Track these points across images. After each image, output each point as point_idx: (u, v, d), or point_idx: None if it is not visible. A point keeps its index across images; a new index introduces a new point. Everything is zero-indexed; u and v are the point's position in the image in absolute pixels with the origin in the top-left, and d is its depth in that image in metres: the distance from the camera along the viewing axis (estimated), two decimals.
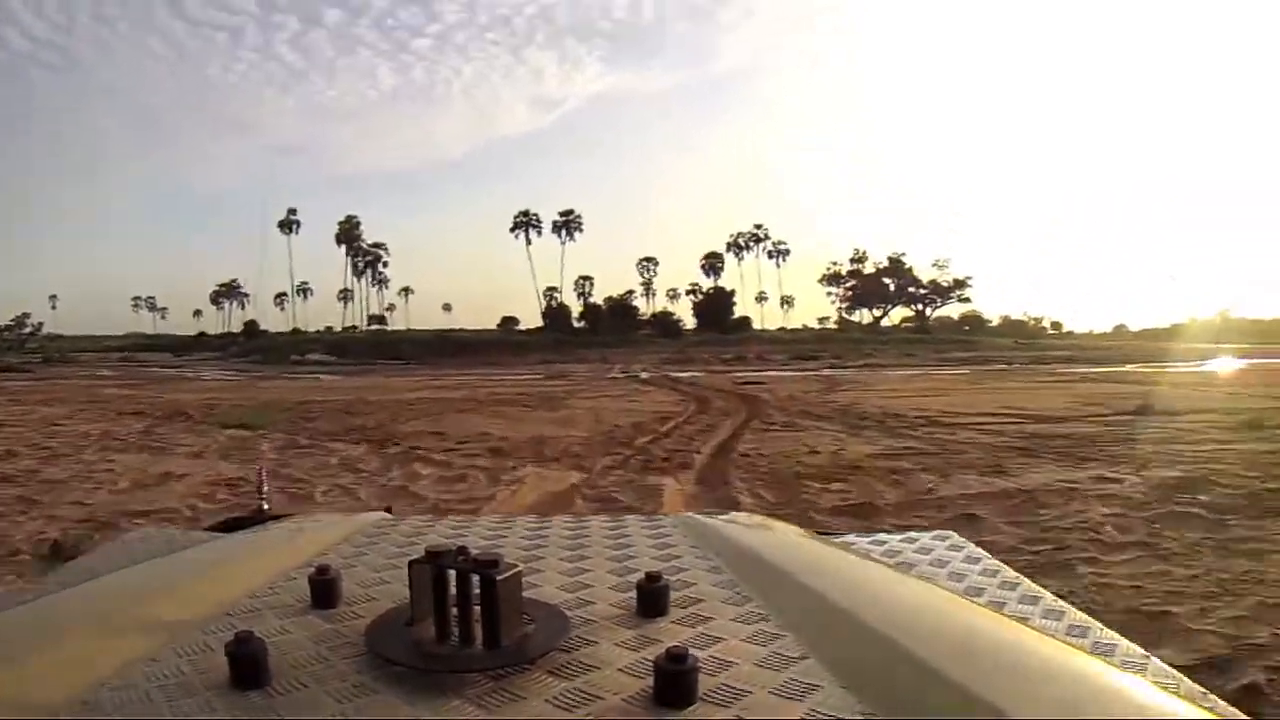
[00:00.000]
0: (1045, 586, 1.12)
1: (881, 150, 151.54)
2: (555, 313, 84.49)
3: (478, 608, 0.66)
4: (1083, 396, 18.43)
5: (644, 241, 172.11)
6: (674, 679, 0.59)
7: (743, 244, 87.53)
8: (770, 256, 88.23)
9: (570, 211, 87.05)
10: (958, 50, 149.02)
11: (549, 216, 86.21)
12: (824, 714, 0.57)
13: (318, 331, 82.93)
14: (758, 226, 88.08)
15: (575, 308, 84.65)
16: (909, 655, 0.66)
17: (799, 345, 58.07)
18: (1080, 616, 0.98)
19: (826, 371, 32.29)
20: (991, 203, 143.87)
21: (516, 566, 0.67)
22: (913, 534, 1.37)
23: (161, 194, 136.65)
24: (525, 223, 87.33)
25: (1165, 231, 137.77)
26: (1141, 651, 0.87)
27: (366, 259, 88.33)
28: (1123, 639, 0.91)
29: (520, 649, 0.66)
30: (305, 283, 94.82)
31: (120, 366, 45.71)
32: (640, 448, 10.52)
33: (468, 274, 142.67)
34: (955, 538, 1.35)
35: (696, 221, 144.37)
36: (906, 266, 78.46)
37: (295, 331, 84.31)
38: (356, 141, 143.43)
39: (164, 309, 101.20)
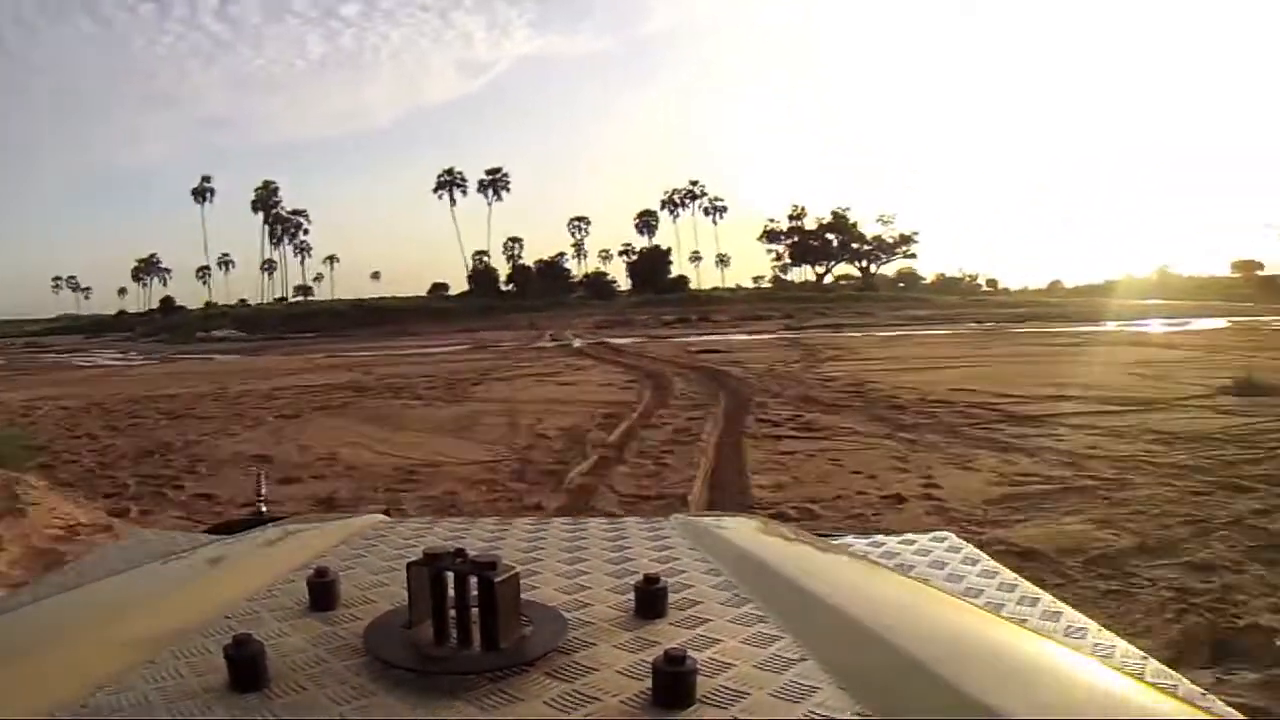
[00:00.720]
0: None
1: (817, 108, 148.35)
2: (481, 276, 79.94)
3: (476, 610, 0.65)
4: (1123, 366, 14.86)
5: (576, 204, 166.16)
6: (672, 681, 0.58)
7: (678, 201, 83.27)
8: (706, 214, 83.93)
9: (497, 170, 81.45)
10: (895, 4, 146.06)
11: (480, 179, 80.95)
12: (822, 715, 0.57)
13: (229, 306, 78.30)
14: (693, 183, 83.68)
15: (505, 271, 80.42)
16: (907, 657, 0.65)
17: (744, 305, 54.47)
18: (1078, 618, 0.95)
19: (788, 334, 28.39)
20: (926, 162, 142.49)
21: (514, 568, 0.66)
22: (910, 535, 1.32)
23: (90, 173, 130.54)
24: (449, 182, 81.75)
25: (1093, 188, 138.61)
26: (1140, 653, 0.85)
27: (285, 226, 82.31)
28: (1121, 640, 0.88)
29: (518, 651, 0.65)
30: (227, 255, 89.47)
31: (18, 353, 39.74)
32: (578, 490, 6.21)
33: (398, 242, 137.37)
34: (953, 539, 1.30)
35: (630, 183, 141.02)
36: (850, 222, 75.12)
37: (208, 306, 79.44)
38: (285, 112, 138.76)
39: (88, 289, 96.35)
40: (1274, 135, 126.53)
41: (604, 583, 0.85)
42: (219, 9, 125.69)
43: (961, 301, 57.57)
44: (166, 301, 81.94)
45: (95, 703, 0.59)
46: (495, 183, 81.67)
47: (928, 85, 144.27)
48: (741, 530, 1.15)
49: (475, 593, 0.65)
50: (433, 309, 62.55)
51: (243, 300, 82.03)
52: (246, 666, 0.60)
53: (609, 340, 28.06)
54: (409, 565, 0.69)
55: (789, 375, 14.06)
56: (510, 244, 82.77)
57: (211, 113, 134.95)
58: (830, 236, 75.35)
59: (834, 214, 75.44)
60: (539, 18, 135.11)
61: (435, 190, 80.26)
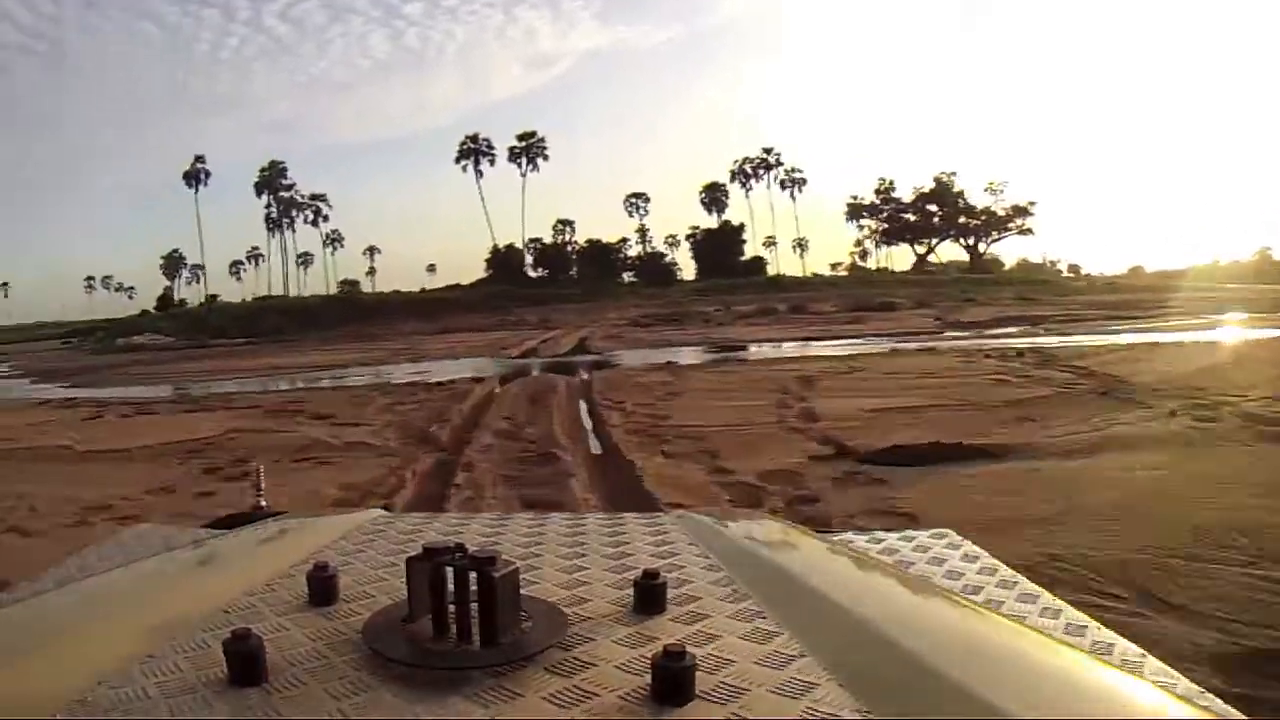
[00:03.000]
0: None
1: (890, 86, 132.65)
2: (503, 260, 65.40)
3: (475, 605, 0.65)
4: None
5: (643, 191, 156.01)
6: (671, 676, 0.58)
7: (750, 171, 67.78)
8: (784, 187, 68.79)
9: (530, 134, 65.76)
10: None
11: (511, 145, 67.51)
12: (821, 712, 0.57)
13: (203, 302, 70.06)
14: (767, 150, 68.51)
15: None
16: (906, 653, 0.66)
17: (842, 291, 41.35)
18: (1078, 615, 0.96)
19: (1019, 342, 15.47)
20: (1008, 139, 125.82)
21: (514, 564, 0.66)
22: (910, 532, 1.31)
23: (150, 178, 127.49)
24: (474, 150, 66.26)
25: (1173, 169, 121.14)
26: (1139, 650, 0.85)
27: (299, 211, 70.69)
28: (1120, 638, 0.88)
29: (517, 646, 0.65)
30: (256, 248, 79.73)
31: None
32: None
33: (458, 234, 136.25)
34: (953, 536, 1.29)
35: (698, 174, 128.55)
36: (956, 190, 61.06)
37: (212, 299, 70.01)
38: (348, 113, 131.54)
39: (131, 288, 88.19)
40: None
41: (603, 578, 0.84)
42: (283, 11, 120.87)
43: (1087, 288, 43.64)
44: (164, 299, 73.92)
45: (95, 697, 0.59)
46: (529, 149, 65.79)
47: (1015, 56, 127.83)
48: (741, 526, 1.14)
49: (475, 588, 0.64)
50: (428, 300, 52.62)
51: (212, 296, 72.23)
52: (245, 661, 0.60)
53: (612, 353, 15.54)
54: (408, 560, 0.68)
55: None
56: (561, 226, 68.32)
57: (275, 116, 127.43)
58: (931, 208, 61.37)
59: (936, 180, 61.48)
60: (603, 10, 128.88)
61: (457, 160, 65.91)
